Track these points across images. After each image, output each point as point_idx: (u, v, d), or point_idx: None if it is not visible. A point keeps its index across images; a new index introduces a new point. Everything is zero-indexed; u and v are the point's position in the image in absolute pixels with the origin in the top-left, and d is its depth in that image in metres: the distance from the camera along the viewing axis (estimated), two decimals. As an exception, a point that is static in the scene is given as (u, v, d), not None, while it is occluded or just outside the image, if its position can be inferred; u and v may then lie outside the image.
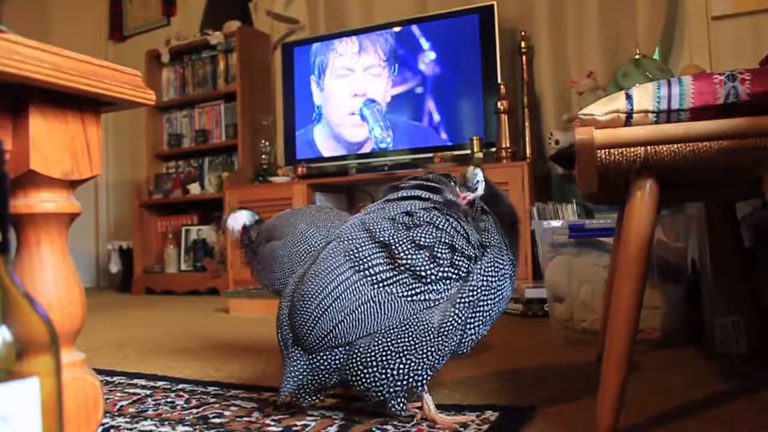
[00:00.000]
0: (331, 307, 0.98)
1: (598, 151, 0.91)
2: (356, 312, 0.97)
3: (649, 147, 0.89)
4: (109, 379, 1.44)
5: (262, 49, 4.08)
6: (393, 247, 0.99)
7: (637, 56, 2.60)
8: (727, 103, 0.86)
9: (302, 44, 3.70)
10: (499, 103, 3.06)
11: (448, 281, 0.98)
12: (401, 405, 1.00)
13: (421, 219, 1.00)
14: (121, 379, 1.43)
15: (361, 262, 0.99)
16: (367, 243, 1.01)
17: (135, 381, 1.41)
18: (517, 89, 3.22)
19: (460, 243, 0.99)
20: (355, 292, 0.98)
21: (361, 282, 0.98)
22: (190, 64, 4.23)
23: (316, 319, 0.98)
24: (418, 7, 3.51)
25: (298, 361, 1.01)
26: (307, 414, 1.08)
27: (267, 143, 3.85)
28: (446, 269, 0.98)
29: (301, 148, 3.64)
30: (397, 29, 3.39)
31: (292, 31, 4.03)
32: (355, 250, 1.01)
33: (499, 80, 3.08)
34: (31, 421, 0.46)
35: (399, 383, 0.97)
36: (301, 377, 1.01)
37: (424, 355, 0.97)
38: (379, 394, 0.99)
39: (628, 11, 2.99)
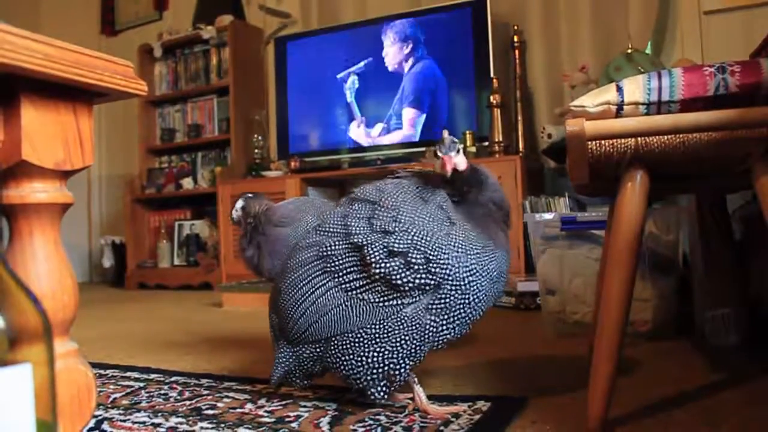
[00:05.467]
0: (308, 311, 1.03)
1: (589, 142, 0.91)
2: (330, 314, 1.01)
3: (639, 138, 0.89)
4: (102, 372, 1.44)
5: (255, 43, 4.06)
6: (365, 249, 0.98)
7: (629, 50, 2.60)
8: (716, 95, 0.87)
9: (295, 38, 3.69)
10: (491, 97, 3.06)
11: (424, 287, 0.96)
12: (381, 393, 1.01)
13: (398, 226, 0.97)
14: (114, 372, 1.43)
15: (335, 269, 1.02)
16: (341, 243, 1.02)
17: (128, 374, 1.41)
18: (510, 83, 3.23)
19: (436, 251, 0.95)
20: (330, 298, 1.02)
21: (336, 289, 1.02)
22: (183, 58, 4.21)
23: (296, 320, 1.04)
24: (412, 0, 3.50)
25: (285, 350, 1.08)
26: (299, 405, 1.09)
27: (260, 138, 3.85)
28: (422, 276, 0.96)
29: (294, 142, 3.64)
30: (389, 23, 3.39)
31: (284, 26, 4.01)
32: (330, 254, 1.02)
33: (492, 74, 3.08)
34: (24, 408, 0.47)
35: (375, 371, 0.99)
36: (288, 364, 1.08)
37: (398, 344, 0.98)
38: (358, 381, 1.01)
39: (620, 5, 3.00)
